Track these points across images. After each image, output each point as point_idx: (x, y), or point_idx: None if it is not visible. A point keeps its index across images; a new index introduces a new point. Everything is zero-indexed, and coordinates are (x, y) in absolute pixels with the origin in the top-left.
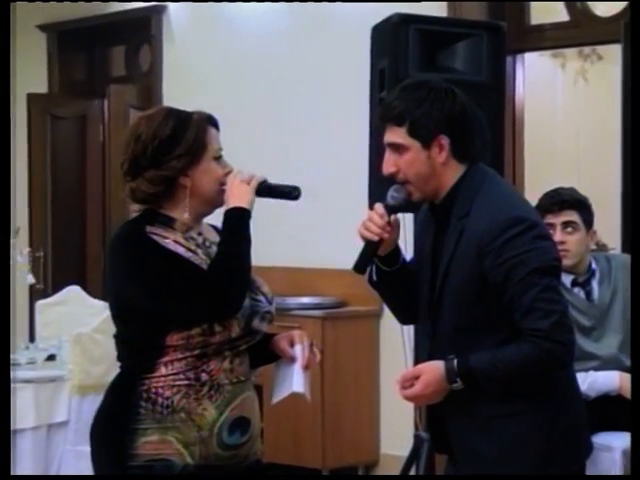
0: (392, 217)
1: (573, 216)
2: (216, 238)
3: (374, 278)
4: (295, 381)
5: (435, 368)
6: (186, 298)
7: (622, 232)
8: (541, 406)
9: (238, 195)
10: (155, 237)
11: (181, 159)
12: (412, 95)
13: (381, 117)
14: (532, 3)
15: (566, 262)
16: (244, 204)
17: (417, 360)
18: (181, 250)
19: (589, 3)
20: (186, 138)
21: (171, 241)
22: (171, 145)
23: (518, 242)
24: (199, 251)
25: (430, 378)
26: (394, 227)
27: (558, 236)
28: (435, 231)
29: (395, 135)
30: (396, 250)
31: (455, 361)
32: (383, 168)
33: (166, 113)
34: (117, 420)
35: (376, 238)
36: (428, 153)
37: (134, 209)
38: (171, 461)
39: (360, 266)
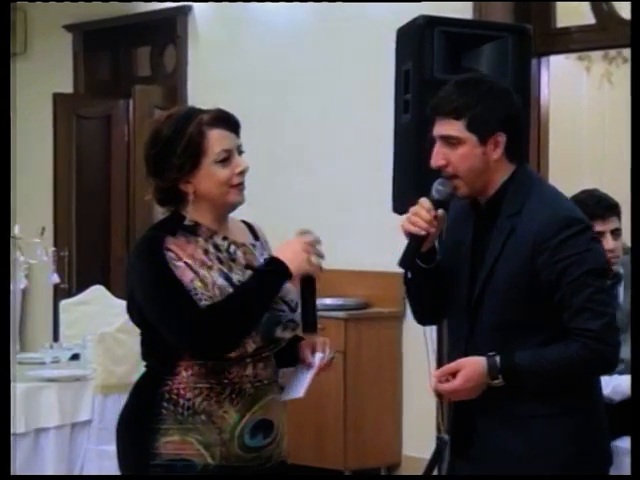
0: (438, 211)
1: (617, 222)
2: (245, 239)
3: (409, 275)
4: (305, 388)
5: (477, 362)
6: (175, 330)
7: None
8: (572, 409)
9: (293, 258)
10: (170, 254)
11: (173, 169)
12: (473, 90)
13: (436, 109)
14: (558, 5)
15: (615, 269)
16: (293, 268)
17: (441, 361)
18: (188, 278)
19: (615, 5)
20: (180, 147)
21: (183, 263)
22: (165, 155)
23: (575, 242)
24: (215, 265)
25: (471, 373)
26: (440, 222)
27: (610, 244)
28: (476, 229)
29: (451, 128)
30: (434, 247)
31: (498, 357)
32: (432, 160)
33: (164, 121)
34: (139, 419)
35: (423, 233)
36: (484, 149)
37: (160, 209)
38: (192, 461)
39: (406, 262)
